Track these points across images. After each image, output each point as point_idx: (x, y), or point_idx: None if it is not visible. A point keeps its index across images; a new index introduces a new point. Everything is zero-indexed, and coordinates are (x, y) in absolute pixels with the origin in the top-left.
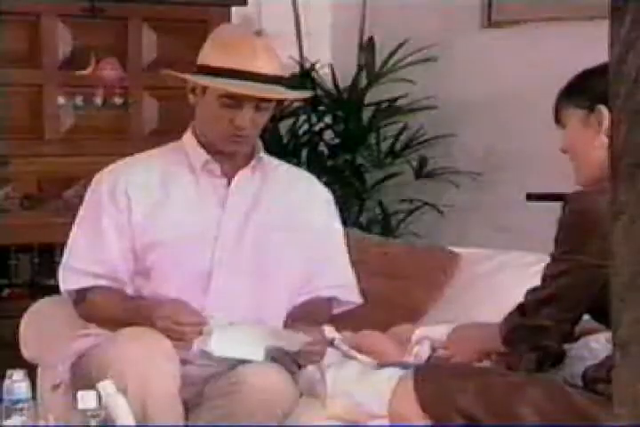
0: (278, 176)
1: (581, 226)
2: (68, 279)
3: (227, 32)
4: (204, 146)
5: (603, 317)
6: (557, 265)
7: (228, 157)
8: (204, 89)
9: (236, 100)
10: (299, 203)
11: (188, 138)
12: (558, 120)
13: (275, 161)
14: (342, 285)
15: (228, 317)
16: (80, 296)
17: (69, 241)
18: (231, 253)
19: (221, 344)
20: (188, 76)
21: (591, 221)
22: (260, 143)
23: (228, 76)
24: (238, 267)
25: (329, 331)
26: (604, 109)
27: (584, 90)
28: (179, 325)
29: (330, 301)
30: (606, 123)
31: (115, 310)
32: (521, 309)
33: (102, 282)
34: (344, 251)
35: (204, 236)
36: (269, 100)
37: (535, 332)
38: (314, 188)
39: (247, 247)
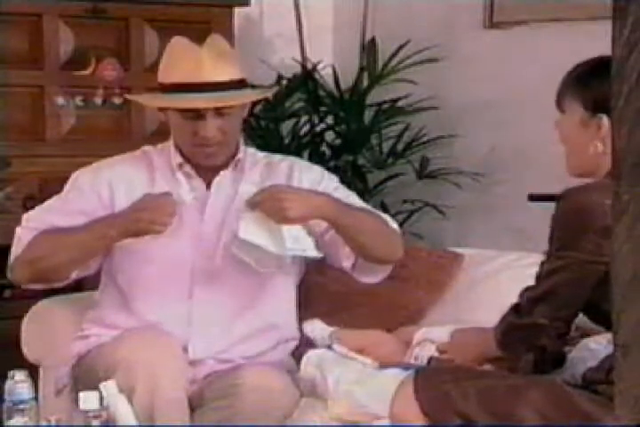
0: (256, 173)
1: (575, 222)
2: (24, 236)
3: (174, 47)
4: (181, 151)
5: (600, 317)
6: (552, 262)
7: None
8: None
9: (194, 112)
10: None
11: (171, 142)
12: (560, 104)
13: (258, 155)
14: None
15: (213, 322)
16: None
17: (29, 212)
18: (210, 260)
19: (247, 228)
20: (134, 97)
21: (585, 217)
22: (241, 141)
23: (177, 91)
24: (217, 271)
25: (322, 328)
26: (605, 119)
27: (592, 87)
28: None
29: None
30: (604, 131)
31: (77, 229)
32: (515, 308)
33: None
34: (359, 201)
35: (186, 238)
36: (232, 107)
37: (530, 331)
38: (293, 171)
39: (225, 252)
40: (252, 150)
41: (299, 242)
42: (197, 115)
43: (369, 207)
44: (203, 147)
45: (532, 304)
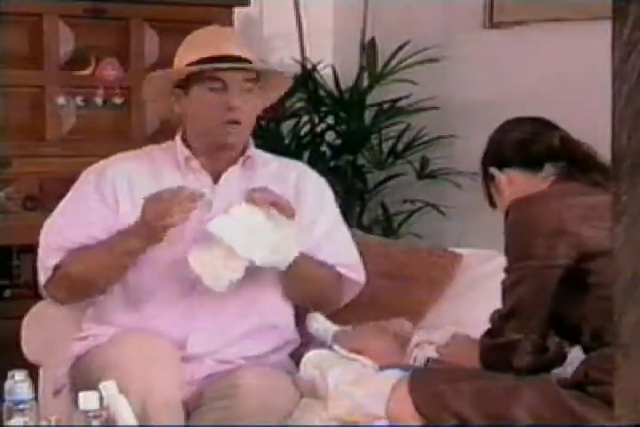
0: (267, 172)
1: (523, 231)
2: (47, 259)
3: (197, 33)
4: (188, 146)
5: (563, 329)
6: (511, 277)
7: (213, 154)
8: (188, 90)
9: (222, 83)
10: (286, 196)
11: (177, 139)
12: (491, 204)
13: (266, 156)
14: (343, 263)
15: (214, 318)
16: (54, 273)
17: (44, 228)
18: None
19: (221, 223)
20: (160, 72)
21: (531, 223)
22: (250, 140)
23: (209, 62)
24: None
25: (324, 323)
26: (493, 170)
27: (483, 163)
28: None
29: (339, 274)
30: (502, 180)
31: (100, 247)
32: (489, 331)
33: (76, 246)
34: (344, 231)
35: (189, 234)
36: (253, 81)
37: (505, 349)
38: (303, 177)
39: None
40: (259, 151)
41: (277, 252)
42: (223, 86)
43: (346, 244)
44: (226, 124)
45: (501, 323)
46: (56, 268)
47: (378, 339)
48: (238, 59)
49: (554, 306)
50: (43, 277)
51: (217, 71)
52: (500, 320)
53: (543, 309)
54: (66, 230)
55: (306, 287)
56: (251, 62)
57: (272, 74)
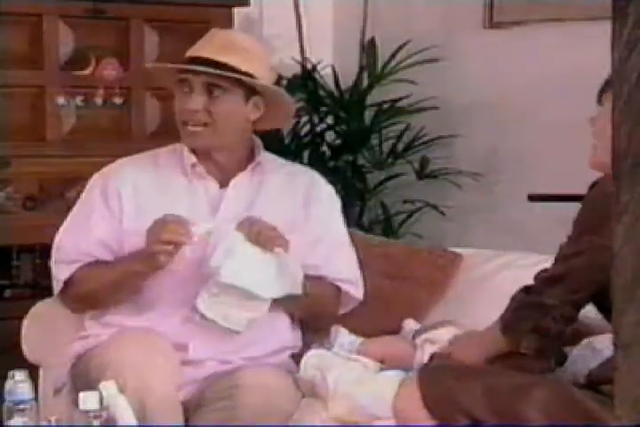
0: (276, 179)
1: (601, 208)
2: (59, 273)
3: (210, 32)
4: (194, 150)
5: (608, 309)
6: (571, 246)
7: (212, 159)
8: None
9: (186, 85)
10: (295, 204)
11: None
12: (600, 98)
13: (277, 161)
14: (344, 279)
15: (212, 329)
16: (67, 285)
17: (57, 239)
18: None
19: (231, 271)
20: (150, 65)
21: (609, 204)
22: (259, 144)
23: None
24: None
25: (348, 337)
26: None
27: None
28: (169, 230)
29: (338, 289)
30: None
31: (110, 266)
32: (527, 288)
33: (88, 259)
34: (348, 247)
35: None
36: (221, 88)
37: (538, 310)
38: (313, 186)
39: None
40: (271, 156)
41: (287, 280)
42: (189, 88)
43: (350, 259)
44: (187, 125)
45: (544, 285)
46: (68, 281)
47: (401, 347)
48: (216, 63)
49: (607, 285)
50: (55, 289)
51: (182, 72)
52: (543, 282)
53: (590, 286)
54: (76, 241)
55: (306, 304)
56: (232, 67)
57: (275, 92)
